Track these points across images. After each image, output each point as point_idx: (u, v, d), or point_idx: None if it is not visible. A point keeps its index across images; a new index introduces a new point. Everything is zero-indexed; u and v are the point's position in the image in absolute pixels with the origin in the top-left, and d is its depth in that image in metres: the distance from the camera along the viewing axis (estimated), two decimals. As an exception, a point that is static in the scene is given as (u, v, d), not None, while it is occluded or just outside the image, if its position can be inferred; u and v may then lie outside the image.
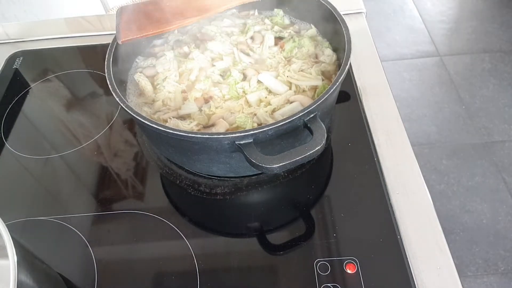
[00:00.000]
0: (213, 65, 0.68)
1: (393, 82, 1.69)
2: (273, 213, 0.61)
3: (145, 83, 0.67)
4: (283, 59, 0.69)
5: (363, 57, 0.78)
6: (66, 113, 0.78)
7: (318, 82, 0.64)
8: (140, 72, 0.69)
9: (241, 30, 0.75)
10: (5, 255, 0.41)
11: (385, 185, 0.60)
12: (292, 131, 0.54)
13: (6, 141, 0.73)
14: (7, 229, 0.43)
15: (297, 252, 0.55)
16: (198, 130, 0.61)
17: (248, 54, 0.70)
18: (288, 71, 0.66)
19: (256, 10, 0.78)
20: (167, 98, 0.66)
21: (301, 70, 0.66)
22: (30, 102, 0.80)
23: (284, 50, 0.70)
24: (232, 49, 0.70)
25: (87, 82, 0.82)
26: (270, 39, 0.71)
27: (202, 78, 0.66)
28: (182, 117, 0.63)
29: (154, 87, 0.68)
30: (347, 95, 0.72)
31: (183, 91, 0.66)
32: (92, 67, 0.84)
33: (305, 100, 0.62)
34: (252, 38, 0.73)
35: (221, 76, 0.67)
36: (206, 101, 0.64)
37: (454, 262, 0.53)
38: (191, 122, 0.61)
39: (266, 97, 0.63)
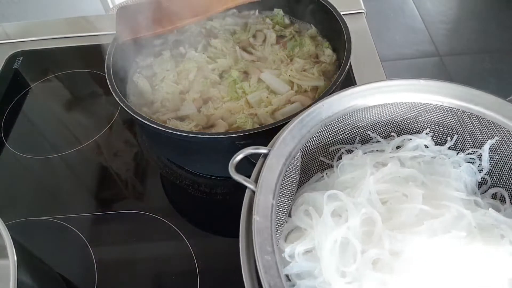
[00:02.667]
0: (215, 62, 0.68)
1: (393, 82, 1.68)
2: (273, 213, 0.61)
3: (144, 84, 0.67)
4: (286, 57, 0.69)
5: (363, 57, 0.78)
6: (66, 113, 0.78)
7: (320, 82, 0.64)
8: (138, 73, 0.69)
9: (242, 28, 0.75)
10: (5, 255, 0.41)
11: (385, 185, 0.60)
12: (292, 131, 0.54)
13: (6, 141, 0.73)
14: (7, 229, 0.43)
15: (297, 252, 0.55)
16: (198, 130, 0.61)
17: (250, 52, 0.70)
18: (291, 70, 0.66)
19: (257, 10, 0.78)
20: (165, 99, 0.65)
21: (304, 70, 0.66)
22: (30, 102, 0.80)
23: (286, 49, 0.70)
24: (234, 47, 0.71)
25: (87, 82, 0.82)
26: (272, 37, 0.71)
27: (201, 79, 0.66)
28: (181, 118, 0.63)
29: (153, 88, 0.68)
30: (347, 95, 0.72)
31: (181, 92, 0.66)
32: (92, 67, 0.83)
33: (306, 101, 0.62)
34: (254, 36, 0.73)
35: (220, 77, 0.67)
36: (205, 102, 0.64)
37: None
38: (190, 123, 0.61)
39: (267, 97, 0.63)
